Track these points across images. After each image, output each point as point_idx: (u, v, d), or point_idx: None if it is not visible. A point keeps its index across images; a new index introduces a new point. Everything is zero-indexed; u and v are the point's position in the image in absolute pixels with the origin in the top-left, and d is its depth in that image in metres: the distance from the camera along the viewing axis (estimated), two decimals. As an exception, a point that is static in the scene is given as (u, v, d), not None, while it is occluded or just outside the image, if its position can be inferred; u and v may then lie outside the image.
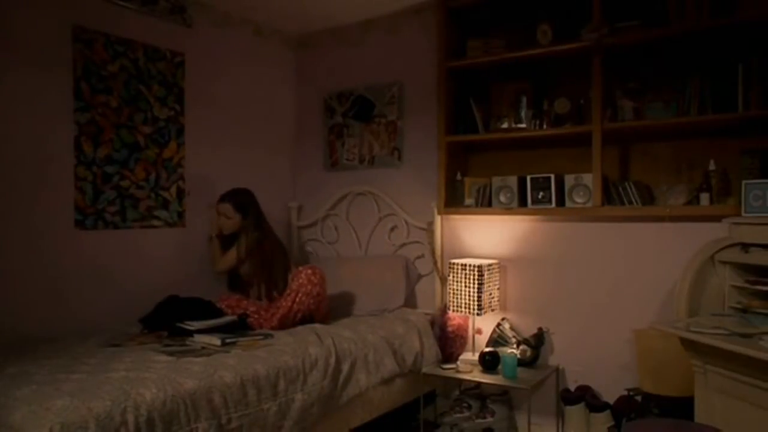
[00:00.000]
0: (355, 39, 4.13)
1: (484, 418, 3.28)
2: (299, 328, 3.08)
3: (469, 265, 3.30)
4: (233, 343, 2.69)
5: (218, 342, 2.67)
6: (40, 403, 1.90)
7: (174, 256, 3.59)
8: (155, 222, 3.50)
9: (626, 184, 3.04)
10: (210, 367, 2.33)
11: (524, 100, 3.29)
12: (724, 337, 2.02)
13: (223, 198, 3.46)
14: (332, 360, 2.75)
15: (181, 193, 3.65)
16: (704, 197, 2.86)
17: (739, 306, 2.34)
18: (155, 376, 2.18)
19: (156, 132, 3.51)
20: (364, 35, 4.09)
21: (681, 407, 2.50)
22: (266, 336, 2.89)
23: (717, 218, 2.65)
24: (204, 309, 3.04)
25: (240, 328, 2.97)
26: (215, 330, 2.84)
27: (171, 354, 2.51)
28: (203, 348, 2.64)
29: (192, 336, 2.79)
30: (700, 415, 2.25)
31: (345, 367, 2.82)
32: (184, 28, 3.64)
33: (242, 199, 3.47)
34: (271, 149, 4.29)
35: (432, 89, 3.60)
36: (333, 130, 4.27)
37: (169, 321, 2.92)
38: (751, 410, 2.02)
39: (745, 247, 2.39)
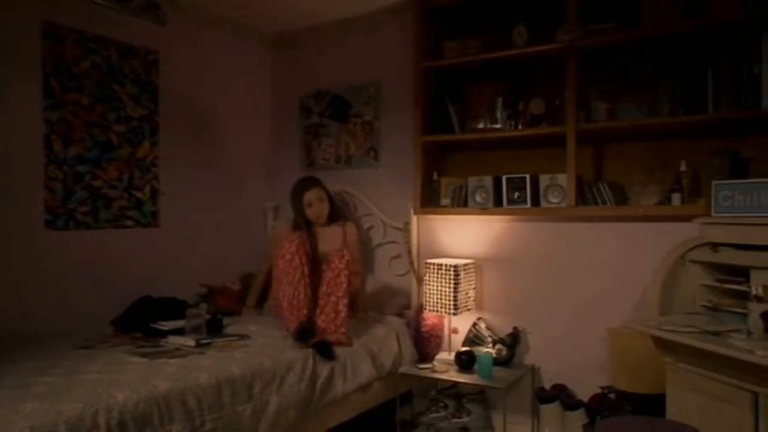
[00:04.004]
0: (333, 38, 4.12)
1: (461, 417, 3.29)
2: (279, 330, 3.04)
3: (445, 265, 3.31)
4: (208, 344, 2.67)
5: (193, 343, 2.64)
6: (10, 406, 1.86)
7: (148, 257, 3.54)
8: (128, 222, 3.45)
9: (600, 184, 3.07)
10: (184, 369, 2.31)
11: (500, 100, 3.31)
12: (694, 335, 2.05)
13: (311, 182, 3.52)
14: (310, 363, 2.73)
15: (155, 193, 3.60)
16: (676, 197, 2.91)
17: (709, 304, 2.38)
18: (128, 378, 2.15)
19: (129, 131, 3.46)
20: (341, 35, 4.08)
21: (654, 404, 2.54)
22: (242, 337, 2.86)
23: (688, 218, 2.69)
24: (178, 309, 3.00)
25: (215, 328, 2.94)
26: (191, 330, 2.80)
27: (144, 355, 2.47)
28: (177, 349, 2.61)
29: (166, 337, 2.76)
30: (672, 412, 2.29)
31: (323, 373, 2.78)
32: (159, 26, 3.59)
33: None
34: (247, 149, 4.26)
35: (409, 89, 3.60)
36: (309, 129, 4.25)
37: (142, 322, 2.88)
38: (720, 406, 2.06)
39: (715, 246, 2.43)
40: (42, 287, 3.03)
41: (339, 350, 2.90)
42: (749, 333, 2.00)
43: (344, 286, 2.98)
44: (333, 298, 2.96)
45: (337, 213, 3.63)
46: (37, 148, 3.03)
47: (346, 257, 3.04)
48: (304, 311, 2.91)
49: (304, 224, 3.43)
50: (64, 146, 3.13)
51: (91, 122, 3.26)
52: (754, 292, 2.05)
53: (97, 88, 3.28)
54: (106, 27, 3.32)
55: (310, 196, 3.45)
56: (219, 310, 3.32)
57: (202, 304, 3.37)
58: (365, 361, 3.03)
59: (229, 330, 2.99)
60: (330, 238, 3.44)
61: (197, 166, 3.86)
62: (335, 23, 4.06)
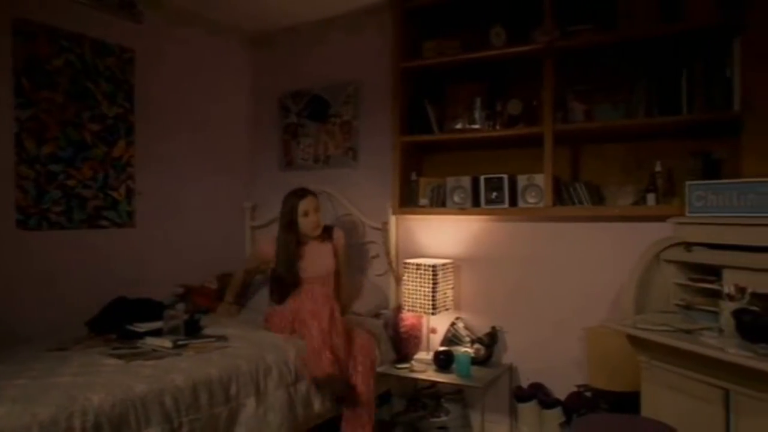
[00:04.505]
0: (312, 38, 4.11)
1: (439, 416, 3.30)
2: (257, 333, 3.03)
3: (424, 265, 3.32)
4: (185, 346, 2.64)
5: (169, 344, 2.61)
6: (-19, 410, 1.83)
7: (124, 257, 3.50)
8: (103, 222, 3.41)
9: (577, 184, 3.10)
10: (161, 370, 2.29)
11: (478, 101, 3.33)
12: (668, 334, 2.08)
13: (306, 191, 3.32)
14: (287, 370, 2.70)
15: (131, 193, 3.56)
16: (651, 197, 2.95)
17: (683, 303, 2.41)
18: (104, 380, 2.13)
19: (104, 130, 3.41)
20: (320, 34, 4.07)
21: (629, 402, 2.57)
22: (220, 338, 2.84)
23: (663, 218, 2.73)
24: (154, 310, 2.97)
25: (192, 329, 2.91)
26: (168, 332, 2.77)
27: (120, 357, 2.45)
28: (154, 350, 2.58)
29: (142, 338, 2.72)
30: (647, 409, 2.32)
31: (302, 388, 2.76)
32: (135, 24, 3.54)
33: None
34: (224, 149, 4.23)
35: (388, 89, 3.60)
36: (288, 129, 4.23)
37: (117, 323, 2.84)
38: (693, 403, 2.09)
39: (689, 246, 2.47)
40: (14, 289, 2.97)
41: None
42: (721, 331, 2.04)
43: (326, 323, 2.84)
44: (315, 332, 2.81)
45: (326, 226, 3.44)
46: (7, 147, 2.97)
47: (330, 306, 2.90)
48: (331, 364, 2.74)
49: (292, 241, 3.25)
50: (36, 145, 3.08)
51: (65, 121, 3.21)
52: (725, 290, 2.08)
53: (70, 86, 3.23)
54: (80, 24, 3.26)
55: (306, 204, 3.25)
56: (197, 309, 3.30)
57: (179, 304, 3.34)
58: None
59: (206, 331, 2.97)
60: (319, 256, 3.31)
61: (174, 166, 3.82)
62: (314, 23, 4.05)
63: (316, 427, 2.93)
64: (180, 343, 2.65)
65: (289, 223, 3.26)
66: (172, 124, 3.82)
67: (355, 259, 3.78)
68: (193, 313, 3.06)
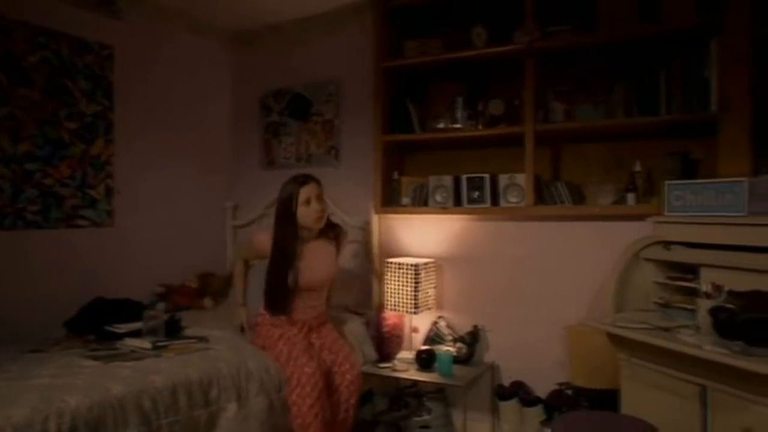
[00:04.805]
0: (293, 37, 4.09)
1: (421, 415, 3.30)
2: (239, 335, 2.98)
3: (406, 264, 3.32)
4: (165, 347, 2.62)
5: (149, 345, 2.59)
6: (-46, 413, 1.79)
7: (103, 257, 3.46)
8: (81, 222, 3.36)
9: (558, 183, 3.12)
10: (140, 372, 2.26)
11: (460, 100, 3.33)
12: (646, 332, 2.11)
13: (309, 177, 2.84)
14: (267, 377, 2.68)
15: (110, 192, 3.52)
16: (630, 197, 2.97)
17: (661, 301, 2.44)
18: (81, 382, 2.10)
19: (83, 128, 3.37)
20: (301, 33, 4.05)
21: (609, 399, 2.60)
22: (201, 339, 2.82)
23: (642, 217, 2.76)
24: (133, 310, 2.94)
25: (173, 330, 2.88)
26: (148, 332, 2.74)
27: (98, 359, 2.42)
28: (133, 352, 2.55)
29: (121, 339, 2.69)
30: (626, 406, 2.34)
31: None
32: (114, 21, 3.50)
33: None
34: (205, 147, 4.20)
35: (370, 88, 3.59)
36: (269, 128, 4.21)
37: (95, 324, 2.81)
38: (672, 399, 2.12)
39: (667, 245, 2.50)
40: (-11, 289, 2.93)
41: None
42: (698, 329, 2.07)
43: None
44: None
45: (330, 222, 2.99)
46: (-17, 145, 2.92)
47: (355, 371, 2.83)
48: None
49: (290, 236, 2.77)
50: (12, 143, 3.03)
51: (42, 118, 3.16)
52: (703, 289, 2.11)
53: (47, 83, 3.18)
54: (57, 21, 3.22)
55: (309, 191, 2.76)
56: (177, 308, 3.28)
57: (159, 303, 3.31)
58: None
59: (187, 332, 2.94)
60: (321, 258, 2.86)
61: (154, 165, 3.79)
62: (295, 21, 4.03)
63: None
64: (160, 344, 2.62)
65: (286, 213, 2.75)
66: (153, 122, 3.78)
67: (340, 257, 3.76)
68: (173, 312, 3.03)
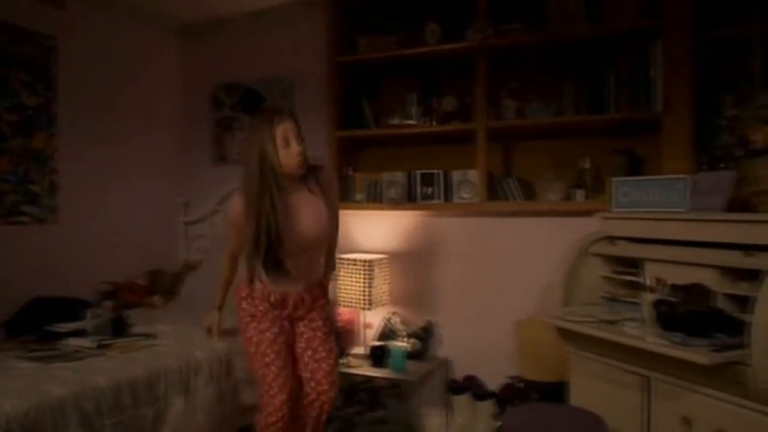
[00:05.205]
0: (245, 30, 4.02)
1: (375, 411, 3.31)
2: (190, 329, 2.91)
3: (359, 260, 3.31)
4: (109, 346, 2.54)
5: (92, 344, 2.51)
6: None
7: (46, 255, 3.33)
8: (22, 218, 3.24)
9: (509, 180, 3.16)
10: (81, 372, 2.19)
11: (414, 97, 3.34)
12: (592, 325, 2.15)
13: (282, 113, 2.24)
14: (218, 367, 2.64)
15: (54, 187, 3.40)
16: (580, 193, 3.03)
17: (608, 295, 2.49)
18: (17, 385, 2.02)
19: (23, 121, 3.24)
20: (254, 26, 3.99)
21: (558, 392, 2.65)
22: (148, 336, 2.75)
23: (591, 213, 2.81)
24: (77, 309, 2.84)
25: (119, 328, 2.80)
26: (93, 331, 2.66)
27: (37, 360, 2.33)
28: (75, 352, 2.47)
29: (63, 339, 2.60)
30: (575, 398, 2.39)
31: (230, 382, 2.71)
32: (57, 10, 3.38)
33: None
34: (154, 141, 4.09)
35: (323, 84, 3.57)
36: (221, 123, 4.14)
37: (36, 324, 2.70)
38: (618, 390, 2.17)
39: (614, 240, 2.55)
40: None
41: (244, 360, 2.65)
42: (642, 321, 2.11)
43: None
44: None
45: (310, 166, 2.37)
46: None
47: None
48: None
49: (268, 187, 2.17)
50: (-53, 136, 2.90)
51: (-21, 111, 3.03)
52: (646, 282, 2.16)
53: (-15, 74, 3.05)
54: (-4, 9, 3.09)
55: (286, 129, 2.19)
56: (125, 305, 3.19)
57: (106, 302, 3.22)
58: None
59: (135, 329, 2.87)
60: (309, 209, 2.31)
61: (101, 159, 3.67)
62: (247, 14, 3.96)
63: (246, 426, 2.89)
64: (104, 343, 2.55)
65: (261, 160, 2.17)
66: (99, 115, 3.67)
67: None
68: (121, 310, 2.95)
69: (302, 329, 2.43)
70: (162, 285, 3.75)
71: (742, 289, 1.87)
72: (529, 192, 3.18)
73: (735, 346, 1.72)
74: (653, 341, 1.86)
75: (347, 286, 3.34)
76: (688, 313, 1.88)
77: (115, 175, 3.78)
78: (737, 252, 1.91)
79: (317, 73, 3.66)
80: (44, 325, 2.68)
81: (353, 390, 3.43)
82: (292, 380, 2.35)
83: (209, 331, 2.69)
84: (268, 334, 2.33)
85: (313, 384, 2.39)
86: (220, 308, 2.67)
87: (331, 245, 2.56)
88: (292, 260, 2.27)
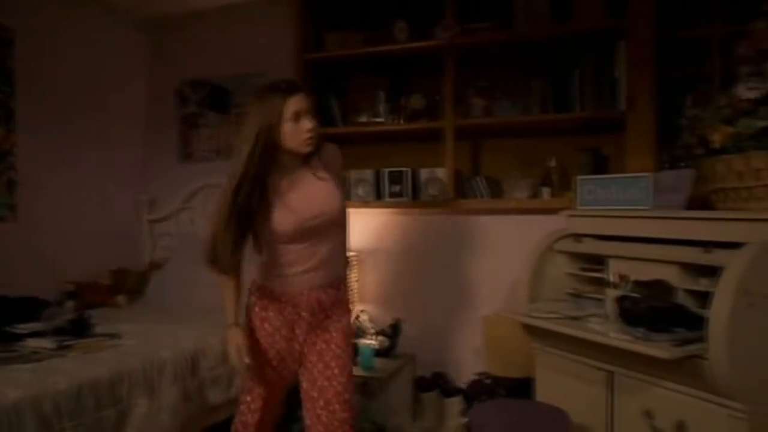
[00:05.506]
0: (213, 26, 3.97)
1: (344, 409, 3.29)
2: (157, 327, 2.87)
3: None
4: (70, 346, 2.48)
5: (53, 345, 2.44)
6: None
7: (4, 254, 3.24)
8: (-21, 216, 3.14)
9: (477, 178, 3.19)
10: (40, 374, 2.12)
11: (382, 95, 3.34)
12: (557, 321, 2.17)
13: (294, 86, 1.94)
14: (182, 363, 2.60)
15: (12, 184, 3.30)
16: (546, 191, 3.07)
17: (573, 292, 2.52)
18: (-30, 389, 1.95)
19: (-20, 116, 3.14)
20: (221, 22, 3.94)
21: (525, 387, 2.67)
22: (112, 336, 2.69)
23: (557, 211, 2.85)
24: (37, 309, 2.77)
25: (81, 328, 2.73)
26: (54, 332, 2.59)
27: (-6, 362, 2.26)
28: (34, 353, 2.39)
29: (22, 340, 2.53)
30: (541, 393, 2.42)
31: (195, 382, 2.66)
32: (15, 0, 3.29)
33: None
34: (118, 138, 4.01)
35: (291, 80, 3.54)
36: (187, 119, 4.08)
37: (-7, 325, 2.63)
38: (582, 386, 2.20)
39: (579, 237, 2.59)
40: None
41: (209, 359, 2.73)
42: (606, 317, 2.15)
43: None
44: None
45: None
46: None
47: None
48: None
49: (265, 160, 1.89)
50: None
51: (-68, 105, 2.93)
52: (610, 279, 2.20)
53: (-61, 67, 2.95)
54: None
55: (299, 103, 1.90)
56: (88, 306, 3.12)
57: (68, 302, 3.16)
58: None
59: (99, 329, 2.79)
60: (318, 189, 1.99)
61: (62, 155, 3.58)
62: (215, 10, 3.91)
63: (213, 426, 2.85)
64: (65, 343, 2.48)
65: (265, 138, 1.87)
66: (59, 110, 3.58)
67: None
68: (83, 310, 2.88)
69: (314, 339, 2.04)
70: (127, 284, 3.68)
71: (701, 284, 1.91)
72: (496, 190, 3.21)
73: (694, 341, 1.76)
74: (616, 337, 1.89)
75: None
76: (650, 309, 1.91)
77: (77, 171, 3.69)
78: (697, 249, 1.95)
79: (286, 70, 3.62)
80: (2, 326, 2.60)
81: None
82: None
83: (237, 353, 2.00)
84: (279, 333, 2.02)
85: (322, 403, 2.01)
86: (237, 324, 2.05)
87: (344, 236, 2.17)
88: (294, 250, 1.97)
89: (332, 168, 2.06)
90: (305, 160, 2.01)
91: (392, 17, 3.28)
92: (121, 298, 3.53)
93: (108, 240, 3.87)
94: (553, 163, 3.09)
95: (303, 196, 1.96)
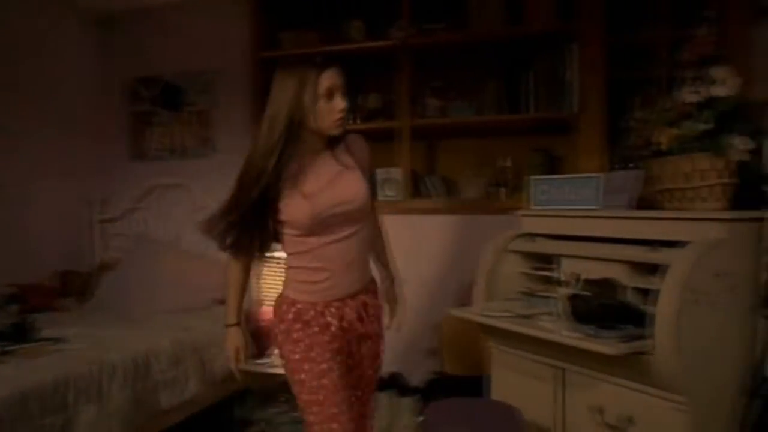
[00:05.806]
0: (165, 22, 3.89)
1: (298, 410, 3.26)
2: (106, 330, 2.80)
3: (282, 258, 3.25)
4: (12, 352, 2.39)
5: (-8, 351, 2.35)
6: None
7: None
8: None
9: (433, 178, 3.20)
10: (-21, 381, 2.04)
11: (338, 94, 3.32)
12: (509, 320, 2.20)
13: (328, 60, 1.74)
14: (131, 368, 2.54)
15: (-49, 183, 3.17)
16: (501, 191, 3.10)
17: (526, 291, 2.56)
18: None
19: None
20: (175, 18, 3.86)
21: (480, 385, 2.69)
22: (57, 341, 2.60)
23: (511, 211, 2.88)
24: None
25: (23, 332, 2.63)
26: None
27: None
28: (-28, 360, 2.30)
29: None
30: (496, 391, 2.44)
31: (147, 385, 2.61)
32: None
33: None
34: (66, 135, 3.88)
35: (247, 79, 3.50)
36: (139, 117, 3.98)
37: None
38: (535, 383, 2.23)
39: (532, 236, 2.62)
40: None
41: (162, 362, 2.71)
42: (557, 315, 2.18)
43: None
44: None
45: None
46: None
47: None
48: None
49: (290, 141, 1.72)
50: None
51: None
52: (561, 277, 2.23)
53: None
54: None
55: (332, 77, 1.72)
56: (33, 309, 3.01)
57: (11, 305, 3.03)
58: (194, 375, 2.87)
59: (44, 333, 2.70)
60: (344, 177, 1.81)
61: (4, 153, 3.44)
62: (166, 5, 3.83)
63: (167, 429, 2.79)
64: (6, 349, 2.39)
65: (291, 111, 1.71)
66: (3, 103, 3.44)
67: (213, 252, 3.63)
68: (26, 314, 2.78)
69: (354, 349, 1.99)
70: (74, 286, 3.57)
71: (648, 282, 1.96)
72: (452, 190, 3.24)
73: (641, 337, 1.80)
74: (567, 334, 1.92)
75: (271, 284, 3.29)
76: (600, 307, 1.95)
77: (21, 169, 3.55)
78: (645, 247, 2.00)
79: (240, 68, 3.58)
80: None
81: (276, 390, 3.38)
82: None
83: (236, 356, 1.97)
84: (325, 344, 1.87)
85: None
86: (238, 323, 1.96)
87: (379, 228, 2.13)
88: (322, 245, 1.81)
89: (360, 159, 1.88)
90: (328, 144, 1.83)
91: (348, 16, 3.28)
92: (68, 301, 3.42)
93: (54, 240, 3.75)
94: (507, 163, 3.13)
95: (323, 185, 1.77)
